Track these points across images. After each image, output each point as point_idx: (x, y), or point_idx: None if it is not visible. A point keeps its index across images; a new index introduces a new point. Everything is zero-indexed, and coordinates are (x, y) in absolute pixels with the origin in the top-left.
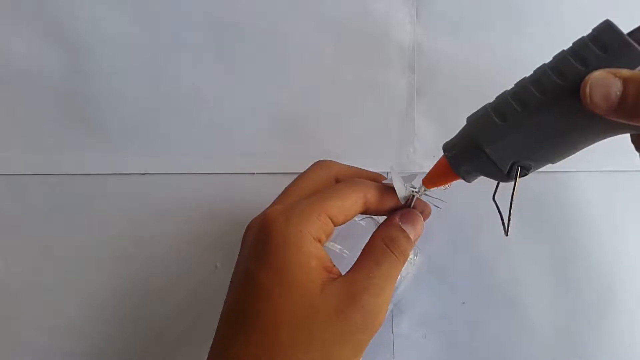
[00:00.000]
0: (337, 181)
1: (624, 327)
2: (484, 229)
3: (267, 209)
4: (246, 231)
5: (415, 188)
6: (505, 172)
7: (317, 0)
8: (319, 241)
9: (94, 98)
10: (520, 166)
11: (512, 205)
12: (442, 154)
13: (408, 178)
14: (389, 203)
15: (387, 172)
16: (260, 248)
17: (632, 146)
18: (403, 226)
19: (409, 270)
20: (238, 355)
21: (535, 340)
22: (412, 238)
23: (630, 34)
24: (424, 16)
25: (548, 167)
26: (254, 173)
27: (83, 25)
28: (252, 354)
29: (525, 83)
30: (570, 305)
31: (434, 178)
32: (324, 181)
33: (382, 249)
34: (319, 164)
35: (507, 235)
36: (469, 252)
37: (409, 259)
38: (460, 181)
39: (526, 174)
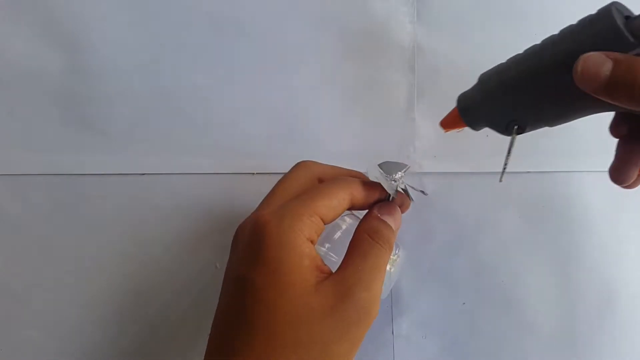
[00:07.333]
0: (320, 181)
1: (624, 327)
2: (484, 229)
3: (256, 212)
4: (236, 235)
5: (394, 179)
6: (504, 128)
7: (317, 0)
8: (311, 241)
9: (94, 98)
10: (517, 125)
11: (509, 158)
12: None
13: (389, 166)
14: (373, 197)
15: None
16: (254, 251)
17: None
18: (382, 217)
19: (394, 268)
20: (238, 358)
21: (535, 341)
22: (391, 225)
23: (635, 19)
24: (424, 16)
25: (548, 167)
26: (254, 173)
27: (83, 25)
28: (252, 356)
29: (530, 51)
30: (570, 306)
31: (448, 123)
32: (307, 182)
33: (366, 241)
34: (301, 165)
35: (500, 181)
36: (469, 253)
37: (393, 258)
38: (461, 183)
39: (522, 132)
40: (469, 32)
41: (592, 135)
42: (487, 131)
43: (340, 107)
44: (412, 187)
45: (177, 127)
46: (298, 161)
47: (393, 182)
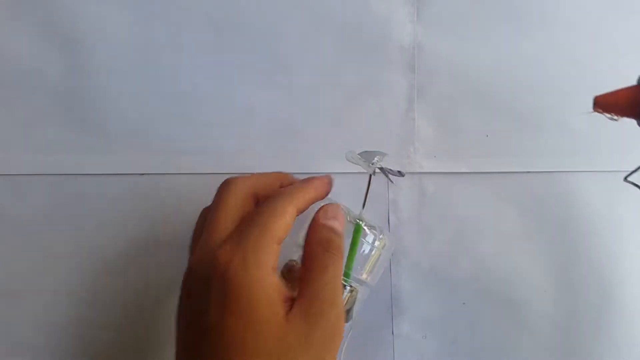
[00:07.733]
0: (255, 195)
1: (624, 327)
2: (484, 229)
3: (205, 246)
4: (190, 276)
5: (372, 162)
6: None
7: (317, 0)
8: (274, 269)
9: (93, 98)
10: None
11: None
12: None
13: (368, 154)
14: (313, 199)
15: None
16: (220, 294)
17: (631, 146)
18: (329, 222)
19: (382, 254)
20: None
21: (535, 341)
22: (339, 230)
23: None
24: (424, 16)
25: (548, 167)
26: (253, 173)
27: (83, 25)
28: None
29: None
30: (570, 306)
31: (614, 102)
32: (245, 201)
33: (321, 254)
34: (231, 183)
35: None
36: (469, 253)
37: (376, 244)
38: (461, 183)
39: None
40: (469, 32)
41: (592, 135)
42: (487, 131)
43: (340, 107)
44: (390, 170)
45: (177, 127)
46: (225, 179)
47: (371, 164)
